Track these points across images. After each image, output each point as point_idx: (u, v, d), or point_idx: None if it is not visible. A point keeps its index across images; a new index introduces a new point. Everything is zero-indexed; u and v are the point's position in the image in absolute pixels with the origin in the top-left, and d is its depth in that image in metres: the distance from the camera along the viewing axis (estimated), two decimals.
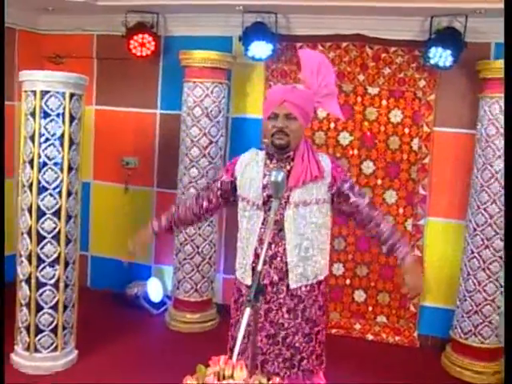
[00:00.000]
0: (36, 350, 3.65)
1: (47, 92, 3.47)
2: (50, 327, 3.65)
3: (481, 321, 4.00)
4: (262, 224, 2.54)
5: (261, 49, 4.35)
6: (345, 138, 4.54)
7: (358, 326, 4.65)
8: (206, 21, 4.65)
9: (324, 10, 4.19)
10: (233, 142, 4.80)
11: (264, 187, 2.54)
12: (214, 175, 4.47)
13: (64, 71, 3.70)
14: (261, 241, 2.53)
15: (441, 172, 4.40)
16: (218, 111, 4.46)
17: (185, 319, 4.59)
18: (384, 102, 4.44)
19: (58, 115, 3.51)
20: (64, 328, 3.71)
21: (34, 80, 3.48)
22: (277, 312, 2.57)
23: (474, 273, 4.00)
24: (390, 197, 4.51)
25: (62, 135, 3.54)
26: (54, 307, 3.65)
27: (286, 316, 2.57)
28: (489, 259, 3.94)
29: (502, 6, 3.65)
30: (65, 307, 3.69)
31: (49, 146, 3.52)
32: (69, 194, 3.62)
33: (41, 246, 3.58)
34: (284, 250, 2.53)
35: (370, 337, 4.61)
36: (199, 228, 4.48)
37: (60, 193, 3.57)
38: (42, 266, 3.59)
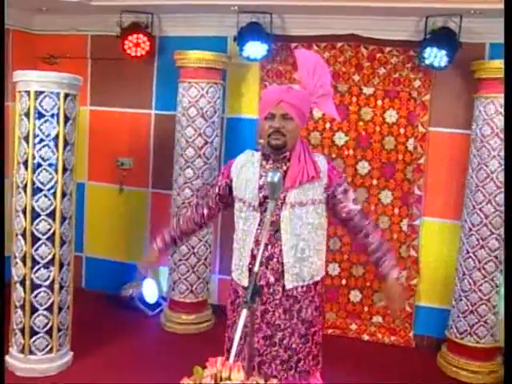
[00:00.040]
0: (31, 352, 3.63)
1: (41, 92, 3.45)
2: (45, 329, 3.63)
3: (476, 320, 4.01)
4: (259, 225, 2.54)
5: (256, 49, 4.35)
6: (340, 139, 4.54)
7: (353, 327, 4.65)
8: (200, 21, 4.64)
9: (319, 10, 4.19)
10: (228, 143, 4.79)
11: (260, 188, 2.54)
12: (209, 176, 4.47)
13: (58, 71, 3.68)
14: (257, 242, 2.52)
15: (436, 172, 4.41)
16: (213, 111, 4.45)
17: (180, 320, 4.58)
18: (379, 102, 4.44)
19: (52, 116, 3.49)
20: (59, 330, 3.69)
21: (28, 80, 3.46)
22: (273, 313, 2.56)
23: (469, 273, 4.01)
24: (386, 197, 4.51)
25: (57, 136, 3.52)
26: (49, 309, 3.63)
27: (282, 317, 2.56)
28: (484, 259, 3.95)
29: (496, 6, 3.68)
30: (60, 309, 3.68)
31: (43, 146, 3.50)
32: (63, 194, 3.60)
33: (35, 247, 3.56)
34: (280, 250, 2.53)
35: (365, 337, 4.62)
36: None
37: (55, 194, 3.55)
38: (37, 267, 3.57)
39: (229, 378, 1.64)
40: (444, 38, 4.00)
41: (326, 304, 4.52)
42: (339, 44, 4.44)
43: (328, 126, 4.55)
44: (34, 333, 3.61)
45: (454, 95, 4.30)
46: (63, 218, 3.62)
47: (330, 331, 4.51)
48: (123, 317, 4.70)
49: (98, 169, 5.21)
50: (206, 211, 2.76)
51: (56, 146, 3.52)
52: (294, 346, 2.56)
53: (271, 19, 4.35)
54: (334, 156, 4.50)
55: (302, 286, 2.56)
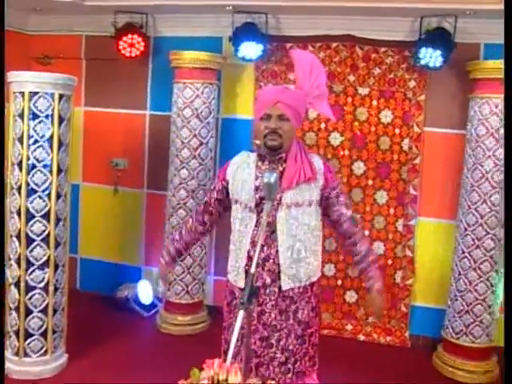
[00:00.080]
0: (26, 355, 3.61)
1: (36, 93, 3.43)
2: (40, 331, 3.61)
3: (472, 320, 4.01)
4: (255, 226, 2.53)
5: (251, 49, 4.34)
6: (335, 139, 4.54)
7: (349, 327, 4.65)
8: (195, 21, 4.62)
9: (314, 10, 4.19)
10: (223, 143, 4.78)
11: (256, 189, 2.53)
12: (204, 176, 4.46)
13: (52, 72, 3.66)
14: (253, 243, 2.52)
15: (431, 172, 4.41)
16: (209, 112, 4.44)
17: (176, 321, 4.56)
18: (374, 103, 4.44)
19: (46, 116, 3.47)
20: (54, 332, 3.67)
21: (23, 81, 3.44)
22: (269, 314, 2.55)
23: (464, 272, 4.02)
24: (381, 197, 4.51)
25: (51, 137, 3.50)
26: (44, 311, 3.61)
27: (279, 318, 2.56)
28: (480, 259, 3.95)
29: (491, 6, 3.70)
30: (54, 311, 3.66)
31: (38, 147, 3.48)
32: (58, 196, 3.58)
33: (30, 248, 3.53)
34: (276, 251, 2.52)
35: (361, 337, 4.62)
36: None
37: (49, 195, 3.54)
38: (32, 269, 3.55)
39: (226, 381, 1.63)
40: (439, 38, 4.01)
41: (322, 304, 4.49)
42: (334, 44, 4.44)
43: (323, 126, 4.55)
44: (28, 335, 3.59)
45: (449, 95, 4.31)
46: (58, 220, 3.60)
47: (325, 332, 4.50)
48: (118, 318, 4.68)
49: (92, 170, 5.19)
50: (206, 217, 2.76)
51: (50, 146, 3.50)
52: (290, 347, 2.56)
53: (266, 19, 4.35)
54: (329, 156, 4.50)
55: (299, 287, 2.56)
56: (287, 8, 4.23)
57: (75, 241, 5.10)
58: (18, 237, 3.53)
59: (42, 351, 3.64)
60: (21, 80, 3.45)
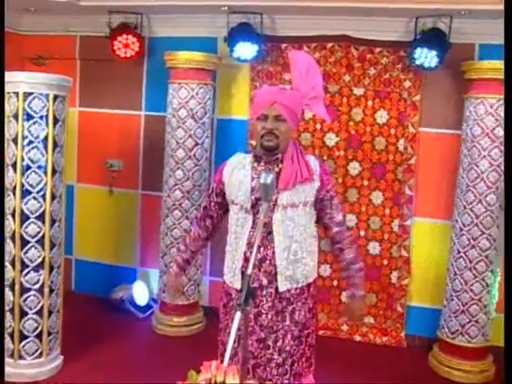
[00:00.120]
0: (20, 357, 3.58)
1: (30, 94, 3.42)
2: (35, 333, 3.59)
3: (468, 320, 4.02)
4: (251, 227, 2.53)
5: (246, 50, 4.33)
6: (331, 139, 4.54)
7: (345, 327, 4.65)
8: (190, 21, 4.61)
9: (309, 10, 4.18)
10: (218, 144, 4.77)
11: (252, 190, 2.53)
12: (199, 177, 4.45)
13: (46, 73, 3.64)
14: (250, 244, 2.51)
15: (427, 172, 4.42)
16: (204, 112, 4.43)
17: (171, 322, 4.55)
18: (370, 103, 4.45)
19: (41, 117, 3.46)
20: (49, 334, 3.65)
21: (17, 81, 3.42)
22: (266, 315, 2.55)
23: (460, 272, 4.02)
24: (377, 197, 4.51)
25: (46, 138, 3.48)
26: (39, 312, 3.59)
27: (275, 319, 2.55)
28: (475, 259, 3.96)
29: (486, 7, 3.71)
30: (49, 312, 3.64)
31: (32, 148, 3.46)
32: (53, 197, 3.56)
33: (25, 250, 3.51)
34: (273, 253, 2.52)
35: (357, 338, 4.61)
36: (185, 231, 4.44)
37: (44, 196, 3.52)
38: (26, 270, 3.53)
39: (224, 383, 1.62)
40: (434, 38, 4.02)
41: (318, 305, 4.51)
42: (330, 44, 4.44)
43: (318, 126, 4.54)
44: (23, 337, 3.57)
45: (445, 96, 4.31)
46: (53, 221, 3.58)
47: (321, 332, 4.50)
48: (114, 320, 4.66)
49: (87, 171, 5.17)
50: (208, 222, 2.75)
51: (45, 147, 3.49)
52: (287, 348, 2.55)
53: (261, 20, 4.34)
54: (324, 157, 4.50)
55: (296, 288, 2.56)
56: (282, 8, 4.23)
57: (70, 242, 5.08)
58: (13, 238, 3.51)
59: (37, 353, 3.62)
60: (15, 80, 3.43)
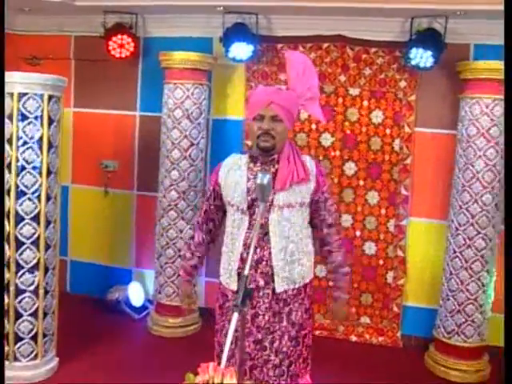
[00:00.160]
0: (15, 359, 3.56)
1: (25, 94, 3.40)
2: (30, 335, 3.56)
3: (463, 320, 4.02)
4: (248, 228, 2.53)
5: (241, 50, 4.32)
6: (326, 140, 4.54)
7: (341, 328, 4.65)
8: (185, 22, 4.60)
9: (305, 10, 4.18)
10: (214, 144, 4.76)
11: (248, 191, 2.53)
12: (195, 178, 4.44)
13: (41, 73, 3.62)
14: (246, 245, 2.51)
15: (422, 172, 4.42)
16: (199, 113, 4.42)
17: (167, 323, 4.54)
18: (365, 103, 4.44)
19: (36, 118, 3.44)
20: (44, 335, 3.63)
21: (12, 82, 3.39)
22: (263, 317, 2.55)
23: (456, 272, 4.03)
24: (372, 197, 4.51)
25: (41, 138, 3.47)
26: (34, 314, 3.56)
27: (272, 320, 2.55)
28: (471, 259, 3.96)
29: (481, 7, 3.72)
30: (45, 314, 3.62)
31: (27, 149, 3.44)
32: (48, 198, 3.54)
33: (20, 251, 3.49)
34: (269, 253, 2.52)
35: (353, 338, 4.61)
36: (181, 231, 4.44)
37: (39, 197, 3.50)
38: (21, 272, 3.51)
39: None
40: (429, 38, 4.01)
41: (314, 305, 4.51)
42: (325, 45, 4.43)
43: (314, 127, 4.54)
44: (18, 339, 3.55)
45: (440, 96, 4.32)
46: (48, 222, 3.56)
47: (317, 332, 4.49)
48: (109, 321, 4.64)
49: (82, 171, 5.15)
50: (211, 225, 2.75)
51: (40, 148, 3.47)
52: (284, 349, 2.55)
53: (257, 20, 4.34)
54: (320, 157, 4.50)
55: (293, 289, 2.56)
56: (278, 8, 4.22)
57: (65, 243, 5.05)
58: (8, 240, 3.48)
59: (33, 355, 3.59)
60: (9, 81, 3.39)
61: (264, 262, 2.52)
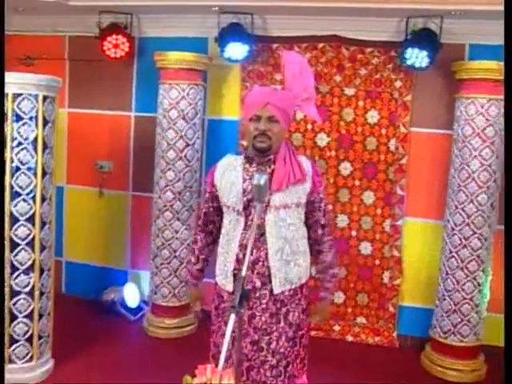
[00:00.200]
0: (11, 361, 3.53)
1: (19, 95, 3.37)
2: (25, 337, 3.54)
3: (459, 320, 4.03)
4: (243, 229, 2.52)
5: (237, 50, 4.32)
6: (322, 140, 4.53)
7: (337, 328, 4.64)
8: (181, 22, 4.59)
9: (300, 10, 4.17)
10: (209, 144, 4.75)
11: (244, 192, 2.52)
12: (190, 178, 4.42)
13: (35, 73, 3.60)
14: (242, 246, 2.51)
15: (418, 172, 4.42)
16: (195, 113, 4.41)
17: (163, 325, 4.52)
18: (361, 103, 4.44)
19: (30, 118, 3.42)
20: (40, 337, 3.60)
21: (6, 82, 3.36)
22: (260, 317, 2.54)
23: (452, 272, 4.03)
24: (368, 198, 4.51)
25: (36, 139, 3.44)
26: (29, 316, 3.54)
27: (269, 321, 2.54)
28: (467, 258, 3.97)
29: (476, 7, 3.72)
30: (40, 316, 3.59)
31: (22, 150, 3.42)
32: (43, 199, 3.52)
33: (14, 253, 3.47)
34: (266, 254, 2.51)
35: (349, 338, 4.61)
36: (176, 232, 4.43)
37: (34, 198, 3.48)
38: (16, 273, 3.48)
39: None
40: (425, 38, 4.02)
41: (310, 306, 4.51)
42: (320, 45, 4.43)
43: (310, 127, 4.54)
44: (13, 341, 3.52)
45: (435, 96, 4.32)
46: (43, 223, 3.54)
47: (313, 333, 4.46)
48: (105, 322, 4.62)
49: (76, 172, 5.13)
50: (212, 226, 2.74)
51: (35, 149, 3.45)
52: (282, 350, 2.55)
53: (252, 20, 4.33)
54: (316, 157, 4.49)
55: (289, 290, 2.55)
56: (273, 8, 4.21)
57: (60, 244, 5.03)
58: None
59: (28, 357, 3.57)
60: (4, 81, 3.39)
61: (260, 263, 2.51)
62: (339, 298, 4.63)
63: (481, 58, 3.90)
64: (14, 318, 3.51)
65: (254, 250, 2.50)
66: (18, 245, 3.47)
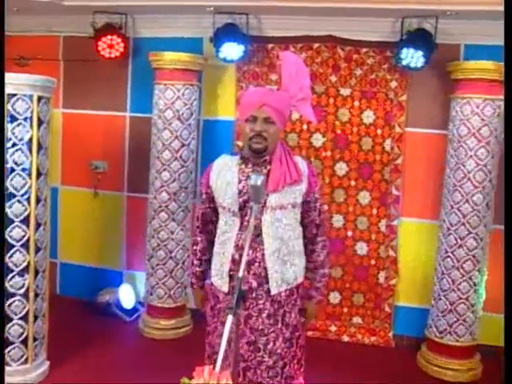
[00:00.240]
0: (6, 364, 3.49)
1: (14, 95, 3.35)
2: (20, 339, 3.52)
3: (455, 319, 4.03)
4: (239, 230, 2.52)
5: (232, 50, 4.31)
6: (317, 140, 4.53)
7: (333, 328, 4.64)
8: (176, 22, 4.58)
9: (295, 11, 4.17)
10: (205, 145, 4.74)
11: (240, 192, 2.51)
12: (186, 179, 4.42)
13: (29, 74, 3.58)
14: (237, 247, 2.50)
15: (413, 172, 4.43)
16: (190, 114, 4.40)
17: (159, 326, 4.51)
18: (356, 103, 4.44)
19: (25, 119, 3.40)
20: (35, 339, 3.58)
21: None
22: (257, 318, 2.53)
23: (448, 272, 4.04)
24: (364, 198, 4.52)
25: (30, 140, 3.42)
26: (24, 318, 3.52)
27: (266, 321, 2.54)
28: (462, 258, 3.97)
29: (472, 8, 3.73)
30: (35, 317, 3.57)
31: (16, 150, 3.39)
32: (38, 200, 3.50)
33: (9, 254, 3.45)
34: (262, 255, 2.51)
35: (345, 338, 4.61)
36: (172, 233, 4.41)
37: (29, 199, 3.46)
38: (11, 275, 3.46)
39: None
40: (420, 39, 4.02)
41: None
42: (316, 45, 4.43)
43: (305, 127, 4.53)
44: (8, 343, 3.50)
45: (431, 96, 4.33)
46: (38, 224, 3.52)
47: (310, 333, 4.48)
48: (100, 323, 4.61)
49: (71, 173, 5.11)
50: (211, 226, 2.73)
51: (29, 150, 3.43)
52: (278, 350, 2.54)
53: (247, 20, 4.32)
54: (311, 158, 4.49)
55: (286, 290, 2.55)
56: (268, 9, 4.21)
57: (55, 245, 5.01)
58: None
59: (23, 359, 3.55)
60: None
61: (257, 264, 2.51)
62: (335, 298, 4.64)
63: (476, 58, 3.91)
64: (8, 319, 3.48)
65: (250, 251, 2.49)
66: (13, 246, 3.45)
